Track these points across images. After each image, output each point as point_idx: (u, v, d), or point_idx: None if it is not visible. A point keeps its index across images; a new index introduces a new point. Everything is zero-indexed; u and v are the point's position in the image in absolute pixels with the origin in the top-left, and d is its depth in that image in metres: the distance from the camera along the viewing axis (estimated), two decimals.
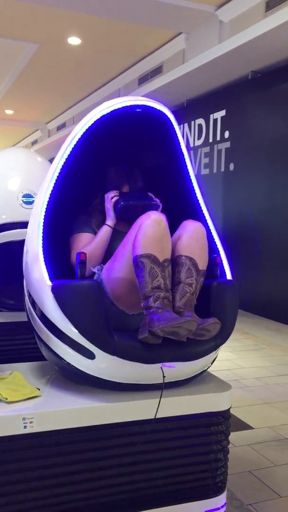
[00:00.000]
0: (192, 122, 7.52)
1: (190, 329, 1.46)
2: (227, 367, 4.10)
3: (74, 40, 6.88)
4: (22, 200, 2.73)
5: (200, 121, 7.33)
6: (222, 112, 6.84)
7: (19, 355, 2.39)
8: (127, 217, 1.90)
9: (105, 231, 1.88)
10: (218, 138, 6.90)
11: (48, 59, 7.58)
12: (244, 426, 2.90)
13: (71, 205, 1.93)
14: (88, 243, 1.86)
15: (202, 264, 1.65)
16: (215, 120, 6.99)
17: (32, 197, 2.74)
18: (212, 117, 7.04)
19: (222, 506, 1.73)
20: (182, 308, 1.56)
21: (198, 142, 7.38)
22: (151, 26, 6.13)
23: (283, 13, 4.82)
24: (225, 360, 4.24)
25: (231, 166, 6.62)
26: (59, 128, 11.82)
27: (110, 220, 1.90)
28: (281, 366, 4.16)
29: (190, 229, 1.68)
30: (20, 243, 2.60)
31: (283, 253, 5.73)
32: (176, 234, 1.69)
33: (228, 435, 1.72)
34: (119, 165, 1.98)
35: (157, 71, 7.43)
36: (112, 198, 1.90)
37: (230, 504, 2.04)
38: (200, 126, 7.34)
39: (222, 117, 6.86)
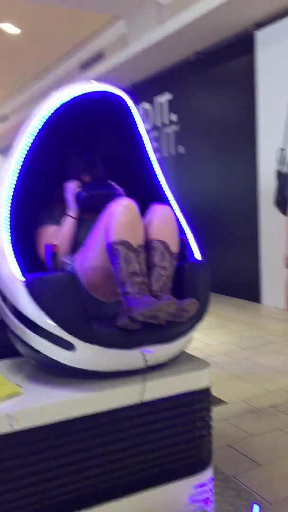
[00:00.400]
0: (138, 107, 7.50)
1: (170, 311, 1.48)
2: (194, 346, 4.17)
3: (11, 29, 6.68)
4: None
5: (146, 105, 7.32)
6: (168, 95, 6.86)
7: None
8: (89, 207, 1.89)
9: (69, 222, 1.86)
10: (167, 121, 6.93)
11: None
12: (218, 402, 2.97)
13: (33, 197, 1.89)
14: (54, 236, 1.84)
15: (174, 247, 1.66)
16: (161, 104, 7.00)
17: None
18: (157, 100, 7.05)
19: (209, 480, 1.77)
20: (159, 291, 1.58)
21: (146, 127, 7.37)
22: (89, 10, 6.03)
23: None
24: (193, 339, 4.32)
25: (181, 149, 6.66)
26: (1, 120, 11.49)
27: (72, 211, 1.88)
28: (245, 341, 4.28)
29: (160, 213, 1.68)
30: None
31: (238, 231, 5.86)
32: (146, 218, 1.69)
33: (210, 411, 1.76)
34: (79, 154, 1.96)
35: (99, 57, 7.34)
36: (73, 189, 1.87)
37: (215, 478, 2.09)
38: (146, 110, 7.33)
39: (168, 100, 6.87)
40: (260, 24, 5.34)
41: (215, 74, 6.06)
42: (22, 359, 1.93)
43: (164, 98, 6.93)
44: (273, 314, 5.17)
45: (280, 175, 5.21)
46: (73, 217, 1.86)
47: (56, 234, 1.84)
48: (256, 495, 2.02)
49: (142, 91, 7.43)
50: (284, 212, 5.21)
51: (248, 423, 2.72)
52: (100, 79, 7.10)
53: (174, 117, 6.82)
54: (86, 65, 7.72)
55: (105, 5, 5.89)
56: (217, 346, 4.13)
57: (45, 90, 8.99)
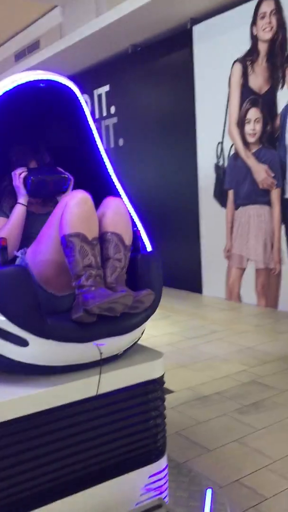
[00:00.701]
0: None
1: (126, 303, 1.48)
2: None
3: None
4: None
5: (84, 97, 7.23)
6: (106, 87, 6.82)
7: None
8: (39, 193, 1.84)
9: (19, 210, 1.81)
10: (105, 113, 6.89)
11: None
12: (165, 391, 3.01)
13: None
14: (3, 226, 1.78)
15: (128, 239, 1.66)
16: (99, 96, 6.95)
17: None
18: (96, 92, 6.99)
19: (164, 469, 1.80)
20: (114, 283, 1.57)
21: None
22: None
23: None
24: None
25: (121, 142, 6.66)
26: None
27: (22, 198, 1.82)
28: (188, 331, 4.37)
29: (113, 205, 1.68)
30: None
31: (179, 224, 5.95)
32: (99, 211, 1.68)
33: (164, 400, 1.78)
34: (22, 142, 1.90)
35: (34, 47, 7.17)
36: (20, 174, 1.82)
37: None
38: (85, 102, 7.24)
39: (106, 92, 6.84)
40: (197, 19, 5.42)
41: (154, 67, 6.10)
42: None
43: (102, 90, 6.88)
44: (214, 304, 5.31)
45: (219, 169, 5.35)
46: (23, 205, 1.81)
47: (5, 225, 1.78)
48: (207, 480, 2.08)
49: (80, 82, 7.32)
50: (223, 205, 5.36)
51: (195, 411, 2.79)
52: (36, 69, 6.96)
53: (112, 110, 6.79)
54: (21, 54, 7.51)
55: None
56: (162, 336, 4.19)
57: None
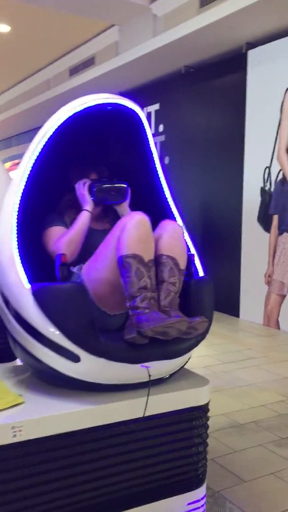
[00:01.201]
0: None
1: (181, 329, 1.49)
2: None
3: (2, 28, 6.62)
4: None
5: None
6: (156, 106, 6.91)
7: None
8: (103, 200, 1.90)
9: (85, 216, 1.85)
10: (153, 131, 6.97)
11: None
12: None
13: (41, 205, 1.88)
14: (67, 231, 1.82)
15: (183, 263, 1.68)
16: (149, 114, 7.04)
17: None
18: (145, 110, 7.09)
19: (202, 498, 1.78)
20: (167, 307, 1.58)
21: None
22: (83, 16, 6.03)
23: (216, 10, 4.94)
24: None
25: (167, 160, 6.71)
26: None
27: (88, 205, 1.87)
28: (224, 354, 4.32)
29: (170, 229, 1.70)
30: None
31: (220, 246, 5.93)
32: (156, 233, 1.70)
33: (207, 428, 1.77)
34: (84, 163, 1.97)
35: (89, 63, 7.34)
36: (84, 183, 1.89)
37: None
38: None
39: (156, 111, 6.92)
40: (253, 44, 5.45)
41: (205, 88, 6.15)
42: (18, 365, 1.91)
43: (152, 108, 6.98)
44: (251, 329, 5.24)
45: (265, 193, 5.31)
46: (88, 211, 1.85)
47: (68, 229, 1.82)
48: None
49: (131, 99, 7.44)
50: (267, 230, 5.32)
51: (231, 438, 2.75)
52: (90, 84, 7.14)
53: (161, 128, 6.87)
54: (75, 69, 7.71)
55: (100, 11, 5.90)
56: (197, 358, 4.15)
57: (32, 90, 8.94)
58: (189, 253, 1.83)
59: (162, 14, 5.86)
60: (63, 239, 1.77)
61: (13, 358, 2.63)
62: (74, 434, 1.51)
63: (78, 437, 1.52)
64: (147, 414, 1.60)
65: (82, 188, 1.88)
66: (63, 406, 1.53)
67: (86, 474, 1.55)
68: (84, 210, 1.86)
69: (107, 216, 2.01)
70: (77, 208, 1.88)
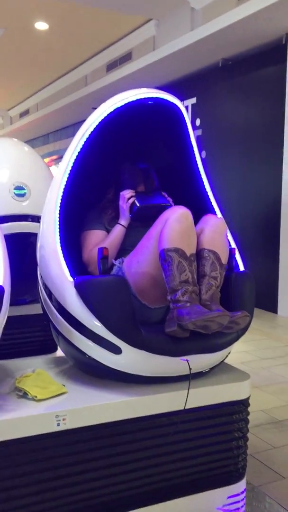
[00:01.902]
0: None
1: (222, 323, 1.49)
2: None
3: (41, 25, 6.71)
4: (14, 193, 2.67)
5: None
6: (193, 100, 6.87)
7: (27, 348, 2.38)
8: (141, 218, 1.91)
9: (119, 231, 1.88)
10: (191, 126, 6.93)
11: (13, 44, 7.38)
12: None
13: (83, 200, 1.91)
14: (101, 242, 1.85)
15: (224, 258, 1.68)
16: (186, 107, 7.00)
17: (23, 189, 2.69)
18: (183, 104, 7.05)
19: (242, 492, 1.78)
20: (208, 301, 1.59)
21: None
22: (120, 11, 6.05)
23: (254, 1, 4.86)
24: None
25: (203, 154, 6.67)
26: (22, 115, 11.55)
27: (124, 221, 1.90)
28: (262, 350, 4.28)
29: (213, 223, 1.70)
30: (12, 237, 2.55)
31: (258, 240, 5.86)
32: (198, 227, 1.70)
33: (248, 423, 1.77)
34: (134, 163, 1.97)
35: (126, 58, 7.36)
36: (128, 198, 1.89)
37: None
38: None
39: (193, 105, 6.88)
40: None
41: (243, 81, 6.06)
42: (59, 356, 1.95)
43: (189, 102, 6.94)
44: None
45: None
46: (124, 226, 1.88)
47: (103, 241, 1.85)
48: (282, 509, 2.03)
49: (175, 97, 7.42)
50: None
51: (270, 434, 2.73)
52: (127, 79, 7.15)
53: (198, 122, 6.83)
54: (112, 65, 7.74)
55: (137, 7, 5.90)
56: (235, 354, 4.10)
57: (69, 86, 9.04)
58: (230, 247, 1.82)
59: (200, 7, 5.80)
60: (95, 249, 1.79)
61: (54, 349, 2.69)
62: (116, 424, 1.54)
63: (120, 427, 1.54)
64: (188, 406, 1.61)
65: (124, 202, 1.90)
66: (105, 397, 1.56)
67: (127, 464, 1.57)
68: (119, 224, 1.89)
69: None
70: (117, 210, 1.91)
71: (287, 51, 5.35)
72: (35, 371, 1.69)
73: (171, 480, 1.64)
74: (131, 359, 1.58)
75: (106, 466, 1.54)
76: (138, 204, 1.86)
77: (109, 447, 1.54)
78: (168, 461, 1.63)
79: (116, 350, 1.57)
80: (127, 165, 1.97)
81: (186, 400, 1.58)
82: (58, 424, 1.45)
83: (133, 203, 1.89)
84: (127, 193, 1.90)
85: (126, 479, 1.57)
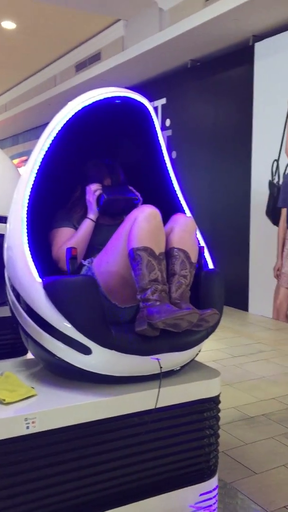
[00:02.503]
0: None
1: (192, 321, 1.49)
2: None
3: (8, 24, 6.63)
4: None
5: None
6: (163, 100, 6.89)
7: None
8: (109, 211, 1.89)
9: (87, 225, 1.86)
10: (160, 126, 6.95)
11: None
12: None
13: (51, 199, 1.89)
14: (70, 238, 1.84)
15: (194, 257, 1.68)
16: (155, 108, 7.02)
17: None
18: (152, 105, 7.06)
19: (214, 489, 1.79)
20: (178, 299, 1.59)
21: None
22: (89, 11, 6.03)
23: (222, 3, 4.92)
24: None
25: (174, 154, 6.70)
26: None
27: (93, 214, 1.88)
28: (234, 348, 4.32)
29: (182, 222, 1.70)
30: None
31: (228, 240, 5.91)
32: (168, 227, 1.71)
33: (219, 420, 1.78)
34: (100, 158, 1.96)
35: (95, 58, 7.34)
36: (95, 191, 1.88)
37: None
38: None
39: (162, 105, 6.91)
40: (259, 36, 5.42)
41: (212, 82, 6.12)
42: (29, 358, 1.93)
43: (159, 102, 6.96)
44: (260, 323, 5.23)
45: (273, 186, 5.29)
46: (92, 220, 1.86)
47: (72, 237, 1.84)
48: (254, 504, 2.05)
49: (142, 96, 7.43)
50: (275, 223, 5.30)
51: (242, 431, 2.75)
52: (96, 80, 7.13)
53: (168, 122, 6.86)
54: (82, 65, 7.71)
55: (105, 7, 5.89)
56: (207, 352, 4.16)
57: (38, 86, 8.95)
58: (198, 245, 1.83)
59: (168, 8, 5.83)
60: (65, 246, 1.78)
61: (24, 352, 2.66)
62: (86, 425, 1.52)
63: (90, 429, 1.53)
64: (158, 405, 1.61)
65: (91, 195, 1.89)
66: (75, 398, 1.55)
67: (99, 465, 1.56)
68: (88, 218, 1.88)
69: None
70: (86, 206, 1.89)
71: (254, 52, 5.43)
72: (3, 374, 1.66)
73: (143, 479, 1.64)
74: (101, 359, 1.57)
75: (77, 468, 1.53)
76: (105, 196, 1.85)
77: (80, 449, 1.52)
78: (140, 460, 1.62)
79: (86, 351, 1.56)
80: (93, 161, 1.96)
81: (157, 399, 1.58)
82: (28, 427, 1.43)
83: (100, 195, 1.87)
84: (93, 187, 1.89)
85: (98, 480, 1.56)
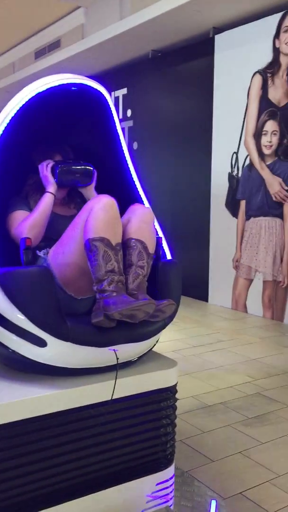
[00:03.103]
0: None
1: (148, 311, 1.49)
2: None
3: None
4: None
5: None
6: (124, 90, 6.84)
7: None
8: (67, 182, 1.85)
9: (47, 198, 1.79)
10: (121, 116, 6.91)
11: None
12: None
13: (7, 187, 1.83)
14: (30, 213, 1.78)
15: (151, 248, 1.67)
16: (116, 98, 6.97)
17: None
18: (113, 95, 7.01)
19: (171, 477, 1.80)
20: (135, 290, 1.58)
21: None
22: None
23: None
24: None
25: (135, 145, 6.67)
26: None
27: (51, 187, 1.82)
28: (193, 338, 4.37)
29: (140, 213, 1.69)
30: None
31: (189, 231, 5.96)
32: (125, 217, 1.69)
33: (175, 409, 1.79)
34: (48, 143, 1.92)
35: (55, 45, 7.20)
36: (47, 165, 1.84)
37: None
38: None
39: (123, 95, 6.86)
40: (220, 28, 5.44)
41: (173, 73, 6.12)
42: None
43: (120, 92, 6.91)
44: (220, 313, 5.31)
45: (232, 179, 5.35)
46: (51, 193, 1.81)
47: (32, 212, 1.77)
48: (211, 491, 2.08)
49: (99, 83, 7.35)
50: (234, 215, 5.37)
51: (199, 420, 2.79)
52: (56, 67, 6.99)
53: (129, 113, 6.82)
54: (41, 52, 7.55)
55: None
56: (167, 343, 4.18)
57: None
58: (156, 236, 1.82)
59: None
60: (25, 222, 1.73)
61: None
62: (42, 418, 1.50)
63: (47, 422, 1.51)
64: (115, 397, 1.60)
65: (45, 170, 1.83)
66: (31, 391, 1.52)
67: (55, 457, 1.54)
68: (46, 192, 1.82)
69: (72, 201, 1.98)
70: (43, 191, 1.84)
71: (215, 44, 5.45)
72: None
73: (100, 471, 1.63)
74: (56, 351, 1.55)
75: (33, 461, 1.50)
76: (59, 166, 1.82)
77: (35, 442, 1.50)
78: (97, 452, 1.61)
79: (41, 343, 1.53)
80: (40, 146, 1.93)
81: (113, 390, 1.57)
82: None
83: (54, 167, 1.83)
84: (46, 162, 1.85)
85: (55, 472, 1.55)
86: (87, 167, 1.86)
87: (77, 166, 1.86)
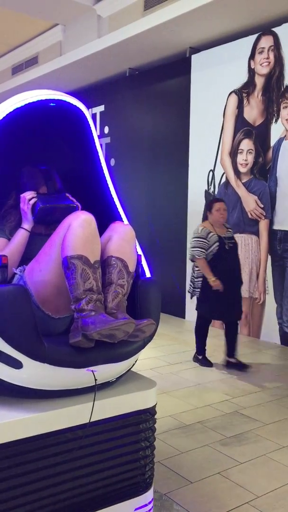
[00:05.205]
0: None
1: (127, 331, 1.45)
2: None
3: None
4: None
5: None
6: (101, 107, 6.87)
7: None
8: (45, 220, 1.81)
9: (21, 235, 1.76)
10: (98, 133, 6.92)
11: None
12: None
13: None
14: (3, 249, 1.73)
15: (132, 266, 1.64)
16: (94, 115, 6.99)
17: None
18: (91, 111, 7.03)
19: (149, 502, 1.75)
20: (114, 309, 1.54)
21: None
22: (26, 14, 5.89)
23: (160, 13, 4.98)
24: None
25: (112, 161, 6.68)
26: None
27: (27, 224, 1.78)
28: (171, 356, 4.34)
29: (121, 231, 1.66)
30: None
31: (165, 247, 5.96)
32: (106, 235, 1.66)
33: (154, 431, 1.75)
34: (35, 164, 1.88)
35: (32, 62, 7.19)
36: (29, 200, 1.78)
37: None
38: None
39: (101, 112, 6.88)
40: (196, 48, 5.53)
41: (150, 91, 6.17)
42: None
43: (97, 109, 6.93)
44: None
45: (209, 196, 5.39)
46: (27, 230, 1.77)
47: (5, 248, 1.73)
48: None
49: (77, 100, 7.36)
50: None
51: (177, 440, 2.75)
52: (33, 84, 6.98)
53: (106, 130, 6.83)
54: (18, 68, 7.53)
55: (43, 10, 5.79)
56: (144, 360, 4.14)
57: None
58: (136, 254, 1.80)
59: (107, 15, 5.82)
60: None
61: None
62: (17, 443, 1.44)
63: (22, 447, 1.45)
64: (93, 419, 1.55)
65: (25, 204, 1.78)
66: (5, 415, 1.46)
67: (31, 484, 1.48)
68: (21, 228, 1.78)
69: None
70: (20, 218, 1.80)
71: (191, 64, 5.53)
72: None
73: (78, 496, 1.58)
74: (33, 373, 1.50)
75: (5, 489, 1.44)
76: (40, 205, 1.75)
77: (7, 469, 1.44)
78: (74, 477, 1.56)
79: (16, 365, 1.48)
80: (28, 167, 1.87)
81: (91, 413, 1.53)
82: None
83: (35, 204, 1.77)
84: (28, 195, 1.78)
85: (29, 500, 1.48)
86: (70, 205, 1.79)
87: (60, 204, 1.79)
